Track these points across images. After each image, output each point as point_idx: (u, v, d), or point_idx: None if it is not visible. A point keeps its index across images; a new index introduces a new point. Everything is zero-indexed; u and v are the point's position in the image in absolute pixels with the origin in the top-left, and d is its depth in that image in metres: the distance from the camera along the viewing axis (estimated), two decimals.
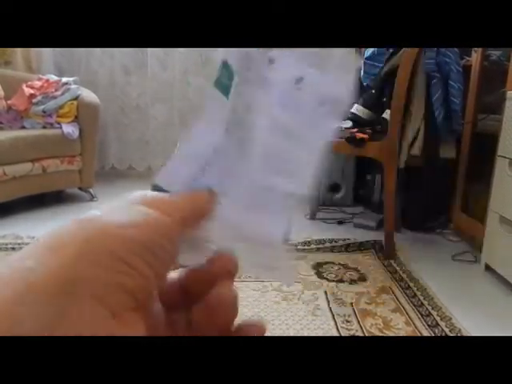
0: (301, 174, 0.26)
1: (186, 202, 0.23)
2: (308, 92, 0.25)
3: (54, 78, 2.98)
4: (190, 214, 0.23)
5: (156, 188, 0.25)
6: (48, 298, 0.17)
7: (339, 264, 1.99)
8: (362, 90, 2.21)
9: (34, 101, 2.81)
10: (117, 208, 0.22)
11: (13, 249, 2.10)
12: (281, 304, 1.62)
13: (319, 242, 2.24)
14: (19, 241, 2.20)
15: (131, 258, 0.19)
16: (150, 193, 0.23)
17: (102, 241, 0.19)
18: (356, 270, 1.94)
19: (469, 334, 1.45)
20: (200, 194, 0.24)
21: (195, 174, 0.25)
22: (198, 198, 0.24)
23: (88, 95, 2.93)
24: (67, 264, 0.18)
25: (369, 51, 2.23)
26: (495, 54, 2.12)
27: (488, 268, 1.93)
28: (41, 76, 3.02)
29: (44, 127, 2.79)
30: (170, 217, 0.21)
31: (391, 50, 2.06)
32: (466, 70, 2.14)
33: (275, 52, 0.24)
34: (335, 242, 2.24)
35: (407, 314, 1.58)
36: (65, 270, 0.18)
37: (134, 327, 0.19)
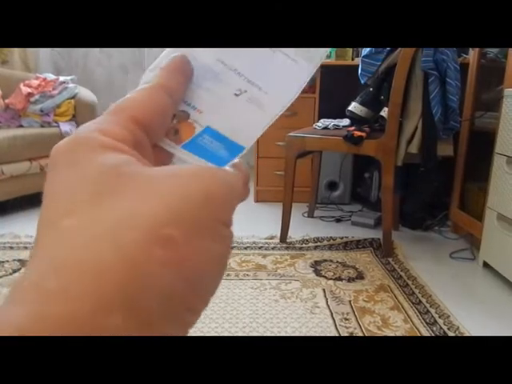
0: None
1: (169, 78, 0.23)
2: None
3: (51, 76, 2.97)
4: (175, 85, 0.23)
5: None
6: None
7: (337, 262, 2.00)
8: (359, 88, 2.21)
9: (31, 100, 2.81)
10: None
11: (11, 248, 2.10)
12: (279, 302, 1.63)
13: (317, 239, 2.24)
14: (17, 240, 2.20)
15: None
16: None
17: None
18: (354, 267, 1.94)
19: (467, 332, 1.45)
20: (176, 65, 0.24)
21: None
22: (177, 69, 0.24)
23: (85, 94, 2.92)
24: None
25: (366, 49, 2.23)
26: (492, 51, 2.12)
27: (486, 265, 1.94)
28: (38, 75, 3.01)
29: (42, 126, 2.79)
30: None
31: (388, 49, 2.06)
32: (464, 67, 2.14)
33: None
34: (333, 239, 2.24)
35: (405, 311, 1.58)
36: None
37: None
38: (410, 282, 1.80)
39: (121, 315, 0.15)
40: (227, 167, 0.24)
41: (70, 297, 0.15)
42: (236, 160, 0.25)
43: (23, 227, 2.37)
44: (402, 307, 1.61)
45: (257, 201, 2.97)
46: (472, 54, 2.22)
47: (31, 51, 3.38)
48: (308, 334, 1.43)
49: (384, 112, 2.04)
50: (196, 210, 0.17)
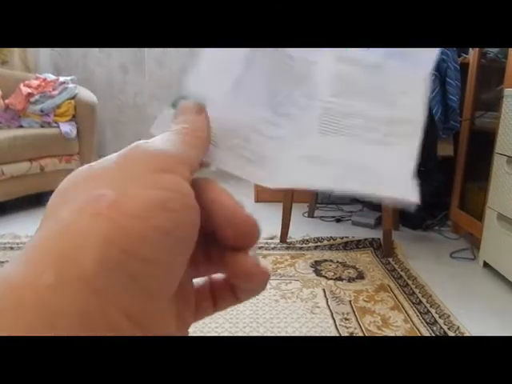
0: None
1: (191, 150, 0.22)
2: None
3: (51, 77, 2.97)
4: (197, 161, 0.22)
5: (185, 97, 0.24)
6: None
7: (337, 262, 2.00)
8: None
9: (31, 100, 2.81)
10: (131, 182, 0.18)
11: (11, 248, 2.10)
12: (279, 302, 1.63)
13: (317, 239, 2.24)
14: (17, 240, 2.20)
15: (160, 255, 0.18)
16: (157, 150, 0.20)
17: (121, 244, 0.17)
18: (354, 267, 1.94)
19: (467, 331, 1.45)
20: (199, 124, 0.23)
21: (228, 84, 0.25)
22: (199, 132, 0.23)
23: (85, 94, 2.92)
24: (89, 278, 0.16)
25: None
26: (492, 51, 2.12)
27: (486, 265, 1.93)
28: (38, 75, 3.01)
29: (42, 126, 2.79)
30: (184, 176, 0.20)
31: None
32: (464, 67, 2.14)
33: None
34: (333, 239, 2.24)
35: (405, 311, 1.58)
36: (86, 285, 0.16)
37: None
38: (410, 282, 1.80)
39: (53, 273, 0.16)
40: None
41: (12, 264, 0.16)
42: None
43: (23, 227, 2.37)
44: (403, 307, 1.61)
45: (257, 201, 2.97)
46: (472, 54, 2.22)
47: (31, 51, 3.38)
48: (308, 334, 1.43)
49: None
50: (126, 169, 0.19)
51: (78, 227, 0.17)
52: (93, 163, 0.20)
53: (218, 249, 0.22)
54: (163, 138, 0.21)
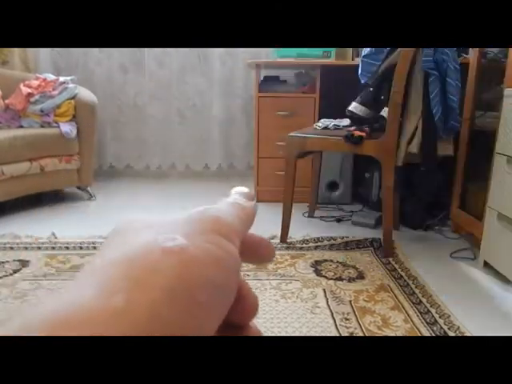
0: None
1: (240, 222, 0.25)
2: None
3: (51, 77, 2.98)
4: (243, 231, 0.25)
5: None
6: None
7: (338, 262, 2.00)
8: (359, 88, 2.21)
9: (31, 100, 2.81)
10: (197, 235, 0.21)
11: (11, 248, 2.10)
12: (279, 302, 1.63)
13: (317, 239, 2.24)
14: (17, 240, 2.20)
15: (209, 303, 0.19)
16: (219, 217, 0.23)
17: (187, 282, 0.19)
18: (354, 267, 1.94)
19: (467, 331, 1.45)
20: (250, 210, 0.26)
21: None
22: (248, 212, 0.26)
23: (85, 94, 2.92)
24: (156, 306, 0.18)
25: (366, 49, 2.23)
26: (493, 51, 2.12)
27: (486, 265, 1.93)
28: (38, 75, 3.01)
29: (42, 126, 2.79)
30: (236, 246, 0.22)
31: (388, 48, 2.06)
32: (464, 67, 2.14)
33: None
34: (334, 239, 2.24)
35: (406, 311, 1.58)
36: (153, 313, 0.17)
37: None
38: (410, 282, 1.80)
39: (122, 298, 0.17)
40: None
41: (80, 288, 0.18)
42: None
43: (23, 227, 2.37)
44: (403, 307, 1.61)
45: (257, 201, 2.96)
46: (472, 54, 2.22)
47: (31, 51, 3.38)
48: (308, 334, 1.43)
49: (384, 112, 2.04)
50: (193, 225, 0.22)
51: (151, 258, 0.19)
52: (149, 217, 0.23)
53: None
54: (223, 207, 0.25)
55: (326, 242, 2.22)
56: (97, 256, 0.20)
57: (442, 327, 1.48)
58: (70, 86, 2.89)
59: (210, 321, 0.20)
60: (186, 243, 0.20)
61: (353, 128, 2.08)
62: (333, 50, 2.83)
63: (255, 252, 0.26)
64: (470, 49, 2.29)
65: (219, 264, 0.20)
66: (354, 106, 2.14)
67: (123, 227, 0.22)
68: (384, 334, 1.44)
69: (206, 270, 0.20)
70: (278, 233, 2.23)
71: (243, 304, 0.24)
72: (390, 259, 2.03)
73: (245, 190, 0.27)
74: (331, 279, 1.83)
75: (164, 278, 0.18)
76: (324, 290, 1.73)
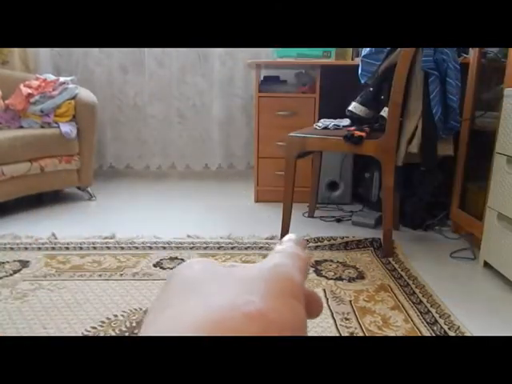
0: None
1: (303, 278, 0.26)
2: None
3: (51, 77, 2.98)
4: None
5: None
6: None
7: (338, 262, 2.00)
8: (359, 88, 2.21)
9: (31, 100, 2.81)
10: (274, 298, 0.22)
11: (11, 249, 2.10)
12: None
13: (318, 239, 2.24)
14: (17, 241, 2.20)
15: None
16: (292, 277, 0.24)
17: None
18: (354, 267, 1.94)
19: (467, 331, 1.45)
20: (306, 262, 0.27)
21: None
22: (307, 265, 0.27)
23: (86, 94, 2.92)
24: None
25: (366, 49, 2.23)
26: (492, 51, 2.12)
27: (486, 265, 1.93)
28: (38, 76, 3.01)
29: (42, 127, 2.79)
30: (303, 304, 0.23)
31: (388, 48, 2.06)
32: (464, 67, 2.14)
33: None
34: (334, 239, 2.24)
35: (406, 311, 1.58)
36: None
37: None
38: (410, 282, 1.80)
39: None
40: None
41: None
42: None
43: (23, 228, 2.37)
44: (403, 307, 1.61)
45: (257, 201, 2.97)
46: (472, 54, 2.22)
47: (31, 52, 3.38)
48: (308, 334, 1.42)
49: (384, 112, 2.04)
50: (268, 284, 0.23)
51: (234, 324, 0.20)
52: (218, 264, 0.25)
53: None
54: (289, 262, 0.25)
55: (325, 242, 2.22)
56: (165, 305, 0.21)
57: (442, 327, 1.48)
58: (70, 86, 2.89)
59: None
60: (264, 307, 0.21)
61: (353, 128, 2.08)
62: (333, 50, 2.83)
63: (307, 306, 0.26)
64: (470, 48, 2.29)
65: (293, 328, 0.21)
66: (353, 106, 2.14)
67: (184, 273, 0.23)
68: (384, 333, 1.44)
69: (281, 333, 0.21)
70: (278, 233, 2.23)
71: (311, 310, 0.25)
72: (390, 259, 2.03)
73: (296, 237, 0.29)
74: (331, 279, 1.83)
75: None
76: (324, 290, 1.73)
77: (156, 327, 0.20)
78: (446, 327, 1.48)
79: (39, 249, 2.11)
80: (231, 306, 0.21)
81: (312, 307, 0.26)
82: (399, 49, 1.95)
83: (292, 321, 0.22)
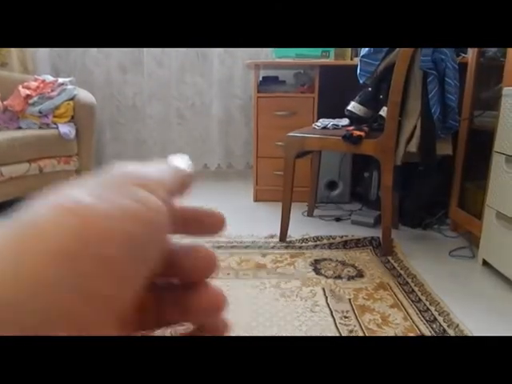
0: None
1: (172, 178, 0.23)
2: None
3: (50, 78, 2.97)
4: (175, 189, 0.23)
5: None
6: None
7: (337, 261, 2.00)
8: (358, 88, 2.21)
9: (30, 101, 2.80)
10: (110, 191, 0.19)
11: None
12: (279, 301, 1.63)
13: (317, 238, 2.24)
14: None
15: (123, 257, 0.18)
16: (139, 169, 0.22)
17: (86, 239, 0.17)
18: (354, 266, 1.94)
19: (466, 329, 1.46)
20: (182, 171, 0.24)
21: None
22: (182, 173, 0.24)
23: (84, 95, 2.92)
24: (40, 271, 0.16)
25: (365, 49, 2.23)
26: (491, 50, 2.12)
27: (485, 263, 1.94)
28: (37, 76, 3.01)
29: (40, 128, 2.78)
30: (159, 195, 0.20)
31: (387, 48, 2.06)
32: (463, 66, 2.14)
33: None
34: (333, 238, 2.25)
35: (405, 309, 1.58)
36: (38, 278, 0.16)
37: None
38: (409, 280, 1.80)
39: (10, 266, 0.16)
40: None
41: None
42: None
43: None
44: (402, 305, 1.61)
45: (256, 200, 2.97)
46: (471, 53, 2.22)
47: (29, 52, 3.37)
48: (308, 333, 1.43)
49: (383, 111, 2.04)
50: (104, 178, 0.20)
51: (43, 219, 0.17)
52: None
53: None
54: (152, 167, 0.23)
55: (325, 241, 2.22)
56: None
57: (441, 325, 1.48)
58: (69, 87, 2.89)
59: (130, 275, 0.18)
60: (88, 200, 0.18)
61: (352, 127, 2.08)
62: (331, 50, 2.83)
63: (200, 223, 0.24)
64: (469, 48, 2.30)
65: (135, 217, 0.18)
66: (352, 106, 2.15)
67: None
68: (383, 331, 1.44)
69: (116, 224, 0.18)
70: (278, 232, 2.23)
71: (194, 258, 0.23)
72: (389, 258, 2.03)
73: (180, 158, 0.25)
74: (330, 278, 1.83)
75: (53, 242, 0.16)
76: (323, 289, 1.73)
77: None
78: (445, 325, 1.48)
79: None
80: (52, 203, 0.18)
81: (208, 221, 0.24)
82: (398, 49, 1.95)
83: (130, 209, 0.18)
